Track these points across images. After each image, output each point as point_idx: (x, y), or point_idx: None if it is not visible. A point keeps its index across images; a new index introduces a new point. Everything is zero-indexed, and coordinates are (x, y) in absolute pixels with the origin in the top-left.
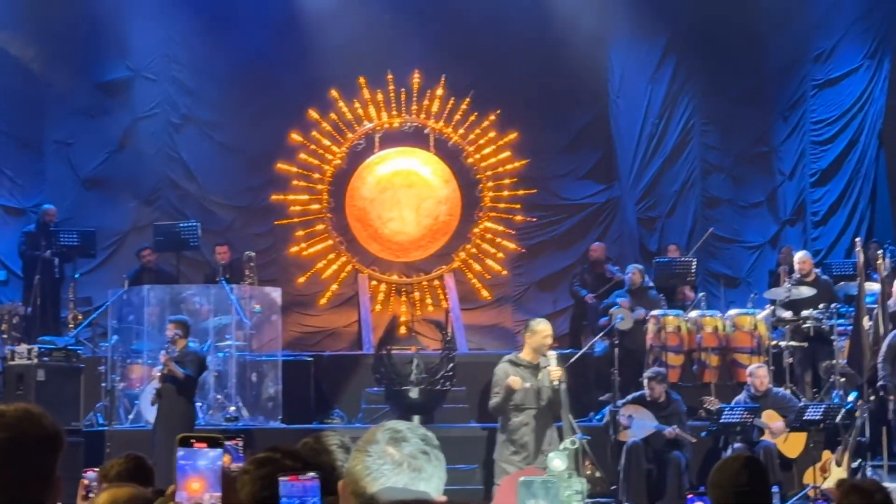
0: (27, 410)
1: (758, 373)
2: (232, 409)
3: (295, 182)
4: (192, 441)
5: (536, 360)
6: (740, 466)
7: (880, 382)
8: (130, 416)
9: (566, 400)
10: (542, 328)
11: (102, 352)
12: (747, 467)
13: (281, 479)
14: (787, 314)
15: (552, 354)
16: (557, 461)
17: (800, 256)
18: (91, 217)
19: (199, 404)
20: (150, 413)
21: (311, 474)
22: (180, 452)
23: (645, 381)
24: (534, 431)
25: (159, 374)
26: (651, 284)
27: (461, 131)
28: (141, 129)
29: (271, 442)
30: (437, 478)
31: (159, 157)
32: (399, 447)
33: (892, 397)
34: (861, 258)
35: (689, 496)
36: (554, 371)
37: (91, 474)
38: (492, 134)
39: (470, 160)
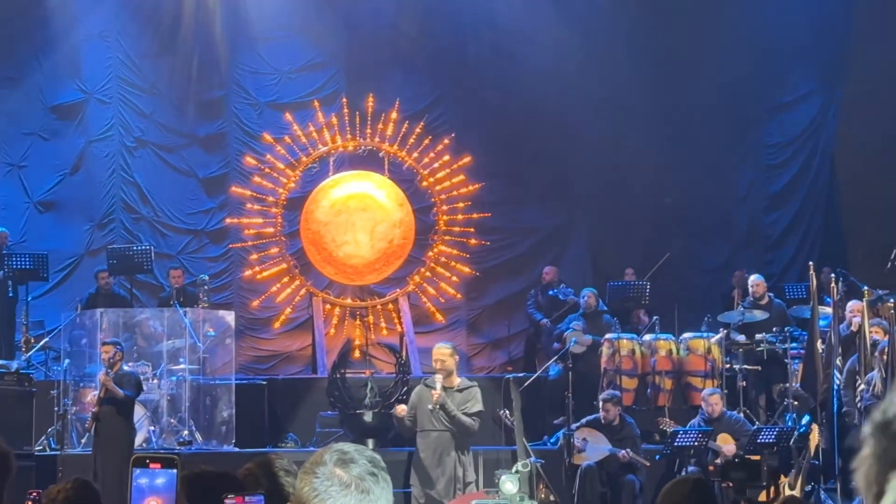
0: None
1: (710, 399)
2: (185, 433)
3: (249, 205)
4: (147, 461)
5: (448, 383)
6: (689, 489)
7: (844, 409)
8: (83, 441)
9: (520, 424)
10: (434, 350)
11: (55, 375)
12: (696, 490)
13: (227, 500)
14: (741, 338)
15: (438, 378)
16: (509, 484)
17: (753, 280)
18: (44, 240)
19: (151, 429)
20: None
21: (256, 496)
22: (136, 472)
23: (600, 403)
24: (434, 454)
25: (95, 397)
26: (605, 308)
27: (415, 155)
28: (94, 151)
29: (224, 466)
30: (384, 500)
31: (113, 180)
32: (347, 469)
33: (855, 422)
34: (814, 282)
35: None
36: (434, 393)
37: (35, 496)
38: (446, 158)
39: (424, 184)
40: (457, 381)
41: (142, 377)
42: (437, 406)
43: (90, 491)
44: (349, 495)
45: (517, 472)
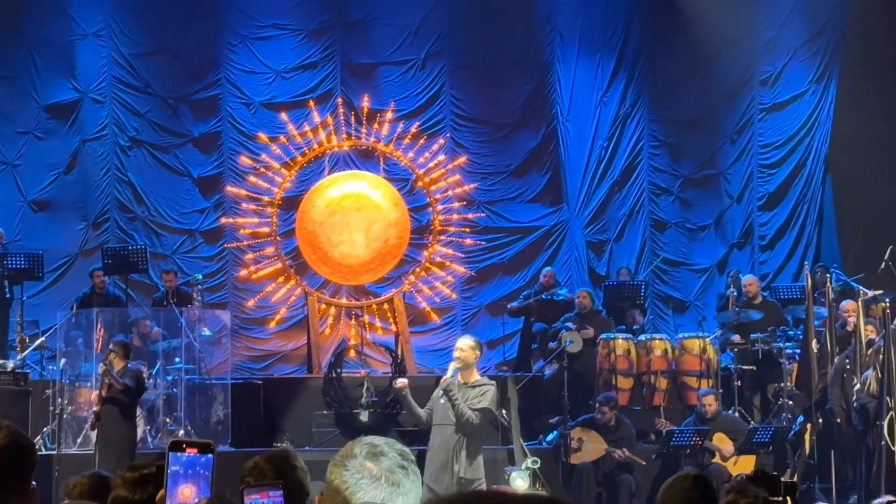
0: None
1: (705, 399)
2: (180, 432)
3: (244, 205)
4: (184, 446)
5: (465, 378)
6: (690, 485)
7: (828, 406)
8: (79, 440)
9: (517, 423)
10: (457, 341)
11: (49, 375)
12: (697, 486)
13: (247, 492)
14: (736, 337)
15: (452, 365)
16: (519, 481)
17: (747, 279)
18: (38, 239)
19: (147, 428)
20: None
21: (276, 489)
22: (172, 458)
23: (596, 406)
24: (440, 449)
25: (97, 395)
26: (600, 308)
27: (410, 155)
28: (89, 151)
29: (220, 466)
30: (413, 493)
31: (107, 180)
32: (377, 461)
33: (838, 420)
34: (809, 282)
35: None
36: (444, 378)
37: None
38: (441, 157)
39: (419, 183)
40: (474, 377)
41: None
42: (441, 390)
43: (107, 486)
44: (379, 488)
45: (527, 468)
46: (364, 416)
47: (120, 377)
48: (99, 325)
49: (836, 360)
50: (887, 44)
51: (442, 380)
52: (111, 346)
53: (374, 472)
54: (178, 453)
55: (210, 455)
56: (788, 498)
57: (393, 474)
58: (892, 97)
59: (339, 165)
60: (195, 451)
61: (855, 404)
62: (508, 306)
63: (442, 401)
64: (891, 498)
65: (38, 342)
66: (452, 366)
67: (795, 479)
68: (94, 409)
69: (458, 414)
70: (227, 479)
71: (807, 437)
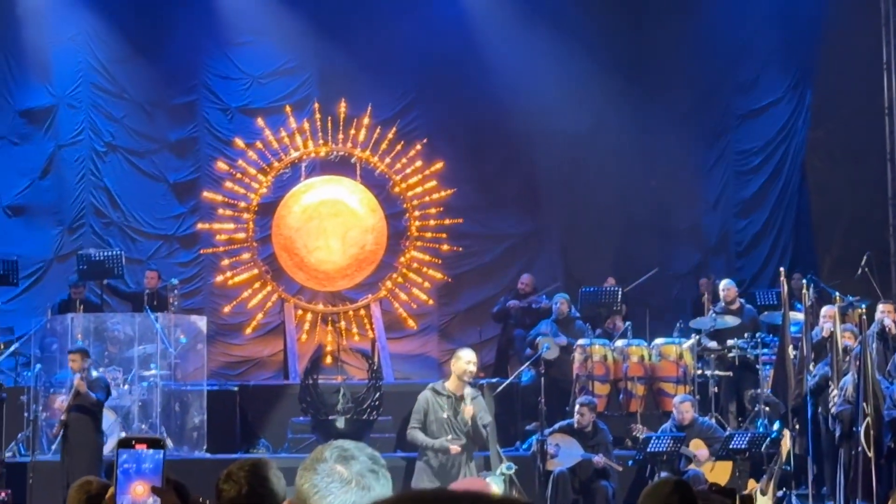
0: None
1: (681, 406)
2: None
3: (221, 211)
4: (133, 442)
5: (460, 390)
6: (671, 490)
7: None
8: (53, 447)
9: (493, 431)
10: (464, 354)
11: (24, 381)
12: (677, 491)
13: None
14: (713, 344)
15: (468, 392)
16: (494, 486)
17: (724, 284)
18: (13, 244)
19: (121, 434)
20: None
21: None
22: (123, 456)
23: (577, 407)
24: (448, 461)
25: (65, 403)
26: (577, 315)
27: (387, 160)
28: (64, 156)
29: (196, 472)
30: (384, 497)
31: (83, 185)
32: (348, 465)
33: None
34: (785, 288)
35: None
36: (466, 409)
37: (3, 496)
38: (418, 163)
39: (396, 189)
40: (466, 389)
41: (112, 382)
42: (469, 419)
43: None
44: (349, 492)
45: (502, 474)
46: (340, 423)
47: (90, 385)
48: (78, 333)
49: (812, 366)
50: (862, 50)
51: (468, 412)
52: (77, 355)
53: (345, 475)
54: (129, 450)
55: (161, 450)
56: None
57: (363, 478)
58: (867, 104)
59: (315, 171)
60: (145, 446)
61: (833, 410)
62: (493, 311)
63: (445, 415)
64: None
65: (11, 348)
66: (469, 394)
67: (772, 485)
68: (62, 417)
69: (479, 437)
70: (204, 486)
71: (783, 443)
